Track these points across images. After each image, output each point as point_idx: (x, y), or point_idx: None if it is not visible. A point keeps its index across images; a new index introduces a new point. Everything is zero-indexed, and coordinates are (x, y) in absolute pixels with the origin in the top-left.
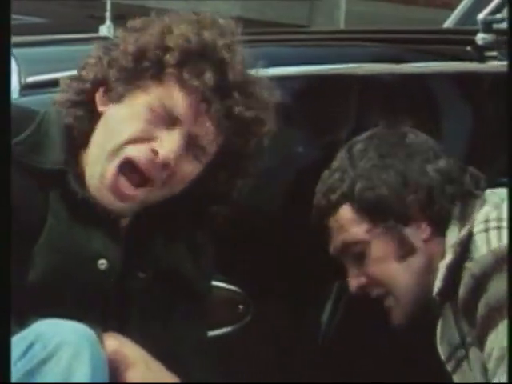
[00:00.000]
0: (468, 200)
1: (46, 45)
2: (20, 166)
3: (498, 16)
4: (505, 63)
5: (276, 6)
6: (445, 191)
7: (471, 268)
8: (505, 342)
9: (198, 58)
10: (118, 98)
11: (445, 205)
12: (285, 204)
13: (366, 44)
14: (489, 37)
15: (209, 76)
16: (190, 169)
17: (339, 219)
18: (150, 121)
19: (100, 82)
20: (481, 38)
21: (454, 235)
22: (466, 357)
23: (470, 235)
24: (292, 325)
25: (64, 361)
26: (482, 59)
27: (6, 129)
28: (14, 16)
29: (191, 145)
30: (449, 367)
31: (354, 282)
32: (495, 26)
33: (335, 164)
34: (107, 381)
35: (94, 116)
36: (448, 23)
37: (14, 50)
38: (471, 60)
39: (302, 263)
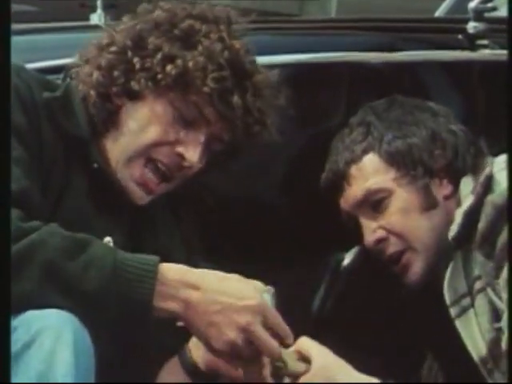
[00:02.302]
0: (481, 159)
1: (37, 33)
2: (53, 122)
3: (489, 5)
4: (496, 52)
5: None
6: (469, 151)
7: (493, 200)
8: None
9: (228, 78)
10: (136, 96)
11: (467, 164)
12: (274, 193)
13: (357, 32)
14: (480, 25)
15: (237, 101)
16: (204, 160)
17: (363, 168)
18: (174, 122)
19: (119, 75)
20: (472, 26)
21: (468, 186)
22: (472, 305)
23: (490, 176)
24: (281, 310)
25: (47, 344)
26: (474, 48)
27: (6, 120)
28: None
29: (207, 144)
30: (452, 312)
31: (370, 236)
32: (486, 14)
33: (355, 122)
34: (92, 366)
35: (108, 101)
36: (439, 12)
37: None
38: (462, 48)
39: (290, 251)
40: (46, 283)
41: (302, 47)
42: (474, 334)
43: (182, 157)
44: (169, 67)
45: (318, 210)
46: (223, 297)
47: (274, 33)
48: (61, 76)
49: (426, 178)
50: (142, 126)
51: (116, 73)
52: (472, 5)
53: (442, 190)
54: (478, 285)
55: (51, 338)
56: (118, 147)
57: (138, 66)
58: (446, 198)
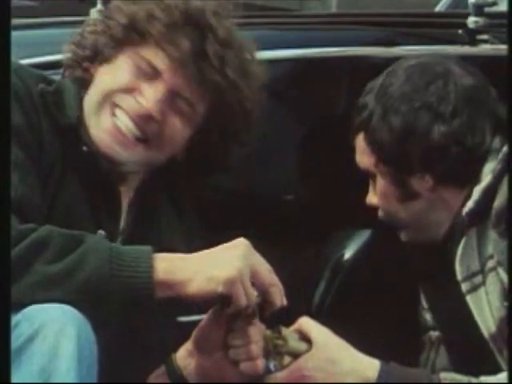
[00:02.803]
0: (505, 135)
1: (37, 28)
2: (49, 117)
3: None
4: (496, 46)
5: None
6: (450, 150)
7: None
8: None
9: (182, 25)
10: (106, 60)
11: (449, 163)
12: (275, 188)
13: (358, 27)
14: (480, 20)
15: (186, 43)
16: (179, 126)
17: (358, 143)
18: (134, 74)
19: (95, 50)
20: (472, 21)
21: (490, 165)
22: (483, 283)
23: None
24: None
25: (50, 337)
26: (474, 42)
27: (7, 115)
28: None
29: (175, 99)
30: (463, 288)
31: (372, 199)
32: (486, 9)
33: (367, 89)
34: (95, 361)
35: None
36: (440, 7)
37: None
38: (463, 43)
39: (290, 245)
40: (48, 280)
41: (303, 42)
42: (485, 311)
43: (140, 104)
44: (122, 20)
45: (318, 205)
46: (218, 248)
47: (274, 27)
48: (60, 71)
49: (402, 173)
50: (103, 78)
51: (88, 43)
52: None
53: (424, 183)
54: (490, 263)
55: (54, 331)
56: (87, 103)
57: (100, 28)
58: (431, 190)
